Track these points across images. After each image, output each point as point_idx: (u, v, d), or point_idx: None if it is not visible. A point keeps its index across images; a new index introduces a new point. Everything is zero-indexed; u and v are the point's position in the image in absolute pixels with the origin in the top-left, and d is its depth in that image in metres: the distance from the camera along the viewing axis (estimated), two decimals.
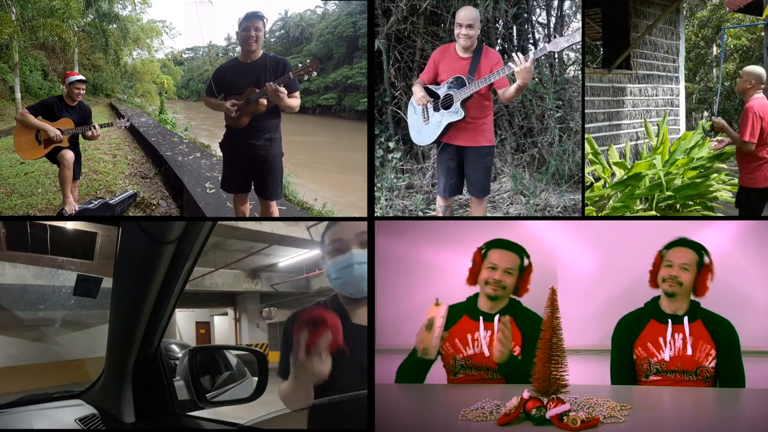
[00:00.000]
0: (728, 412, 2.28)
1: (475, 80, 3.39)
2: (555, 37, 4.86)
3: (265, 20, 3.45)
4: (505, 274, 2.68)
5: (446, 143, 3.53)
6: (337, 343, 1.75)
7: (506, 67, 3.31)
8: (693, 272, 2.62)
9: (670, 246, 2.69)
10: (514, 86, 3.32)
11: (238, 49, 3.59)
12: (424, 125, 3.54)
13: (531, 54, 3.26)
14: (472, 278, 2.75)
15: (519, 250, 2.73)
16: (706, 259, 2.64)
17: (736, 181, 4.04)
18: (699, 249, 2.65)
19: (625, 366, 2.66)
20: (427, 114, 3.52)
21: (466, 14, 3.43)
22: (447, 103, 3.45)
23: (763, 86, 3.76)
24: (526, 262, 2.72)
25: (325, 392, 1.81)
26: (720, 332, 2.58)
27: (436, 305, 2.57)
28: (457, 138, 3.49)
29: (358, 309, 1.95)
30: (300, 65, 3.39)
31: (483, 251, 2.75)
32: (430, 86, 3.53)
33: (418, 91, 3.54)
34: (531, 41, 5.08)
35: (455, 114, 3.43)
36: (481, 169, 3.53)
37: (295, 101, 3.43)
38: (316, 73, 3.41)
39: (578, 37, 3.39)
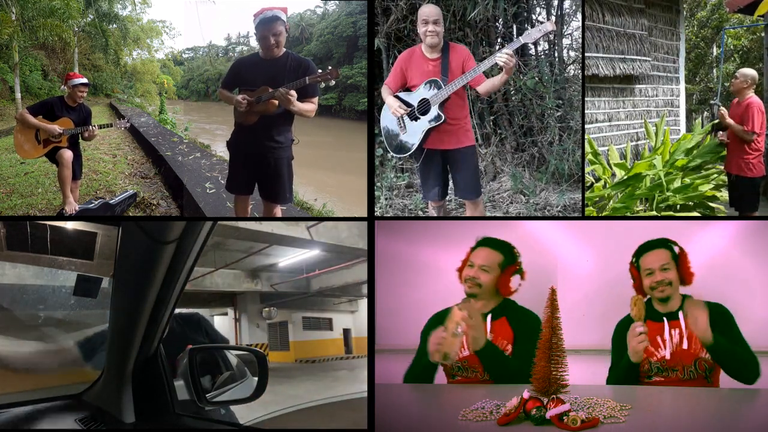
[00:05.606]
0: (728, 411, 2.28)
1: (450, 80, 3.31)
2: (554, 37, 4.87)
3: (284, 19, 3.31)
4: (480, 270, 2.67)
5: (430, 149, 3.44)
6: None
7: (489, 60, 3.26)
8: (674, 267, 2.62)
9: (638, 254, 2.68)
10: (498, 79, 3.27)
11: (238, 51, 3.56)
12: (402, 135, 3.45)
13: (509, 47, 3.21)
14: (461, 278, 2.76)
15: (501, 247, 2.71)
16: (677, 249, 2.64)
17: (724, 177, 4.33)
18: (666, 244, 2.65)
19: (620, 368, 2.66)
20: (404, 123, 3.42)
21: (429, 10, 3.34)
22: (424, 109, 3.37)
23: (754, 86, 4.15)
24: (511, 259, 2.69)
25: None
26: (711, 316, 2.56)
27: (459, 309, 2.59)
28: (440, 142, 3.42)
29: None
30: (320, 71, 3.29)
31: (471, 249, 2.75)
32: (401, 94, 3.45)
33: (392, 101, 3.42)
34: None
35: (435, 119, 3.35)
36: (470, 169, 3.48)
37: (309, 106, 3.33)
38: (334, 81, 3.32)
39: (550, 27, 3.29)
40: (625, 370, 2.61)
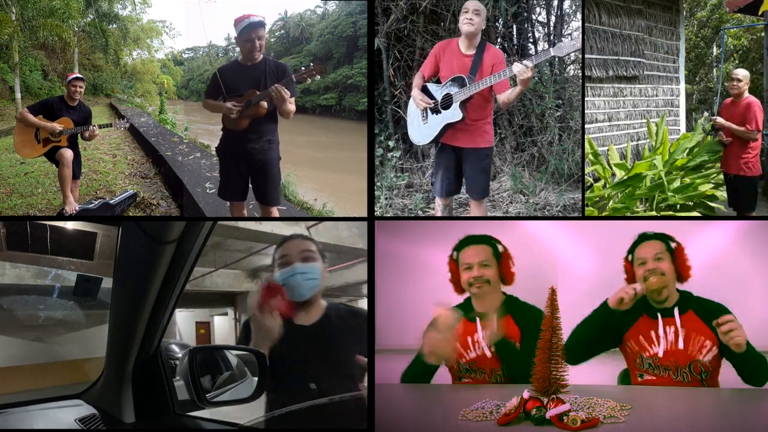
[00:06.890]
0: (727, 412, 2.28)
1: (477, 80, 3.32)
2: (555, 37, 4.87)
3: (265, 24, 3.39)
4: (482, 267, 2.66)
5: (444, 143, 3.49)
6: (286, 309, 2.18)
7: (508, 70, 3.25)
8: (668, 259, 2.57)
9: (633, 248, 2.65)
10: (515, 91, 3.26)
11: (238, 50, 3.57)
12: (423, 125, 3.50)
13: (532, 60, 3.18)
14: (458, 287, 2.75)
15: (487, 241, 2.71)
16: (673, 244, 2.60)
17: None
18: (663, 238, 2.61)
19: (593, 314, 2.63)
20: (426, 114, 3.48)
21: (473, 3, 3.37)
22: (446, 103, 3.40)
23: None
24: (500, 248, 2.70)
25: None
26: (715, 318, 2.47)
27: (446, 308, 2.59)
28: (456, 139, 3.46)
29: (301, 311, 2.30)
30: (303, 68, 3.35)
31: (454, 257, 2.74)
32: (430, 85, 3.49)
33: (416, 93, 3.50)
34: (531, 40, 5.09)
35: (454, 115, 3.37)
36: (479, 170, 3.49)
37: (291, 106, 3.39)
38: (319, 77, 3.38)
39: (579, 45, 3.33)
40: (601, 314, 2.59)
